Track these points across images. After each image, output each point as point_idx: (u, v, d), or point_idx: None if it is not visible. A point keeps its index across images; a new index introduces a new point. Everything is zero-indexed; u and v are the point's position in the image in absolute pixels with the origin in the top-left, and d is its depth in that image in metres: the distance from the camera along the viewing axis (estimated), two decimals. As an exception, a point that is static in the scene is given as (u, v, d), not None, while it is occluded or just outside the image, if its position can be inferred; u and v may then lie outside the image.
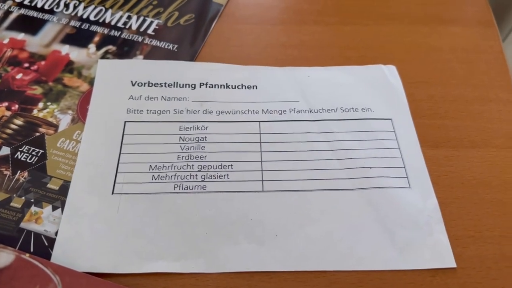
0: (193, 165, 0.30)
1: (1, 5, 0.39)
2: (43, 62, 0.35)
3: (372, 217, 0.28)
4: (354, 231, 0.28)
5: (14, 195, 0.29)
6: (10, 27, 0.38)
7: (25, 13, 0.39)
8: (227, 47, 0.38)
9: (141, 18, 0.39)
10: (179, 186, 0.29)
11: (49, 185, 0.29)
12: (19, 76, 0.35)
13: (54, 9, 0.39)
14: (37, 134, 0.31)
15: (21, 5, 0.39)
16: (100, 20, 0.38)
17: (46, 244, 0.27)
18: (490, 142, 0.33)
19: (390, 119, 0.33)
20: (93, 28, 0.38)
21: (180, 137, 0.31)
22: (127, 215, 0.28)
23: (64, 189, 0.29)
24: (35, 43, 0.37)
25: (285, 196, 0.29)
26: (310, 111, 0.33)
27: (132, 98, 0.33)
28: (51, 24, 0.38)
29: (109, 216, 0.28)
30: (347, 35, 0.39)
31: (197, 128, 0.32)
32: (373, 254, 0.27)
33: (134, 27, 0.38)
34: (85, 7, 0.39)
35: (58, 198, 0.29)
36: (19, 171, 0.30)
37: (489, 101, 0.35)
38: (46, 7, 0.39)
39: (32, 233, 0.27)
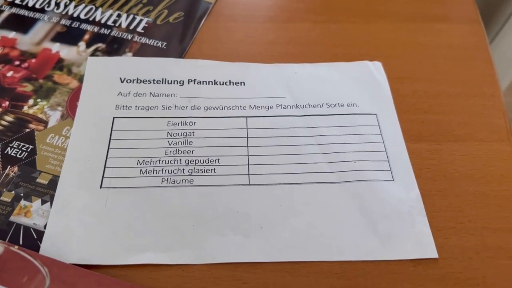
0: (180, 159, 0.31)
1: (-7, 4, 0.40)
2: (33, 60, 0.36)
3: (355, 209, 0.29)
4: (338, 222, 0.28)
5: (4, 190, 0.29)
6: (1, 26, 0.38)
7: (16, 12, 0.39)
8: (215, 45, 0.38)
9: (131, 16, 0.39)
10: (167, 180, 0.30)
11: (38, 180, 0.30)
12: (10, 73, 0.35)
13: (45, 8, 0.40)
14: (27, 130, 0.32)
15: (12, 4, 0.40)
16: (90, 19, 0.39)
17: (35, 237, 0.27)
18: (473, 136, 0.33)
19: (375, 114, 0.34)
20: (83, 26, 0.38)
21: (168, 132, 0.32)
22: (115, 208, 0.28)
23: (53, 183, 0.29)
24: (26, 41, 0.37)
25: (270, 190, 0.30)
26: (297, 107, 0.34)
27: (121, 95, 0.34)
28: (42, 23, 0.39)
29: (97, 209, 0.28)
30: (334, 33, 0.39)
31: (185, 123, 0.32)
32: (356, 244, 0.28)
33: (123, 25, 0.39)
34: (75, 6, 0.40)
35: (47, 193, 0.29)
36: (9, 166, 0.30)
37: (473, 96, 0.36)
38: (37, 6, 0.40)
39: (22, 226, 0.28)
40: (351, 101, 0.34)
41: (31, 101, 0.33)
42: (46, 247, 0.27)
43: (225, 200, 0.29)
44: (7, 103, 0.33)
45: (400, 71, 0.37)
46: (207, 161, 0.31)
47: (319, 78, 0.36)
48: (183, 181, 0.30)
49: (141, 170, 0.30)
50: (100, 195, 0.29)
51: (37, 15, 0.39)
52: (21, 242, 0.27)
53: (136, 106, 0.33)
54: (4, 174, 0.30)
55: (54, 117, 0.33)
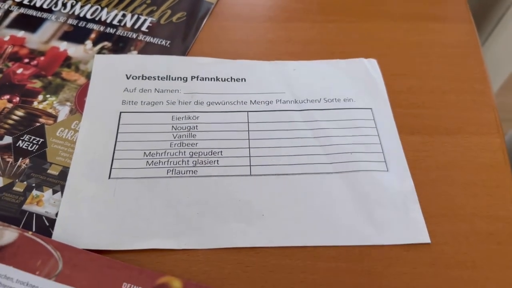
0: (185, 151, 0.32)
1: (2, 4, 0.41)
2: (42, 58, 0.37)
3: (352, 198, 0.30)
4: (335, 210, 0.30)
5: (17, 180, 0.30)
6: (11, 25, 0.40)
7: (24, 12, 0.41)
8: (217, 43, 0.40)
9: (135, 16, 0.41)
10: (172, 171, 0.31)
11: (49, 171, 0.31)
12: (19, 71, 0.37)
13: (52, 8, 0.41)
14: (37, 124, 0.33)
15: (20, 4, 0.41)
16: (96, 18, 0.40)
17: (47, 224, 0.29)
18: (464, 129, 0.35)
19: (370, 108, 0.35)
20: (90, 25, 0.40)
21: (172, 126, 0.33)
22: (123, 197, 0.30)
23: (64, 174, 0.31)
24: (34, 40, 0.39)
25: (271, 180, 0.31)
26: (295, 102, 0.35)
27: (127, 91, 0.35)
28: (49, 22, 0.40)
29: (106, 198, 0.29)
30: (331, 32, 0.41)
31: (189, 118, 0.34)
32: (352, 230, 0.29)
33: (128, 24, 0.40)
34: (81, 6, 0.41)
35: (58, 183, 0.30)
36: (20, 158, 0.31)
37: (464, 92, 0.37)
38: (44, 6, 0.41)
39: (34, 214, 0.29)
40: (347, 96, 0.36)
41: (40, 97, 0.35)
42: (58, 234, 0.28)
43: (228, 190, 0.30)
44: (17, 98, 0.35)
45: (395, 68, 0.38)
46: (210, 153, 0.32)
47: (316, 74, 0.37)
48: (188, 172, 0.31)
49: (147, 161, 0.31)
50: (108, 185, 0.30)
51: (45, 15, 0.41)
52: (34, 229, 0.28)
53: (141, 101, 0.34)
54: (16, 166, 0.31)
55: (63, 112, 0.34)
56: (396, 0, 0.44)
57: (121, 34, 0.39)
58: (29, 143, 0.32)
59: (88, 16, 0.41)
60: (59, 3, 0.42)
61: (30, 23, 0.40)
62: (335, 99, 0.36)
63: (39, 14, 0.41)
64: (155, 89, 0.35)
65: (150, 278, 0.26)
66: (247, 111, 0.35)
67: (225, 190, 0.30)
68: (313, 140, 0.33)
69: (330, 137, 0.33)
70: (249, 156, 0.32)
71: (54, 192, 0.30)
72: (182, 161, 0.32)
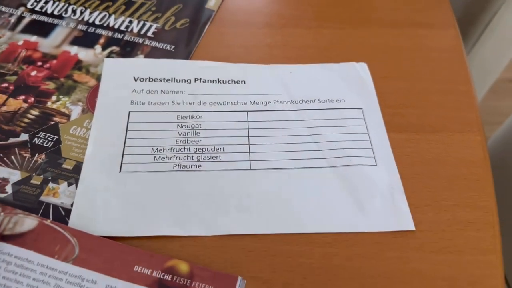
0: (189, 148, 0.35)
1: (15, 11, 0.44)
2: (54, 61, 0.40)
3: (344, 189, 0.33)
4: (329, 201, 0.32)
5: (34, 174, 0.33)
6: (24, 31, 0.42)
7: (36, 18, 0.43)
8: (218, 48, 0.42)
9: (141, 23, 0.43)
10: (178, 165, 0.34)
11: (64, 165, 0.33)
12: (33, 73, 0.39)
13: (63, 15, 0.44)
14: (52, 122, 0.36)
15: (32, 11, 0.44)
16: (105, 24, 0.43)
17: (63, 214, 0.31)
18: (447, 127, 0.38)
19: (361, 108, 0.38)
20: (99, 31, 0.42)
21: (177, 124, 0.36)
22: (133, 189, 0.32)
23: (77, 168, 0.33)
24: (46, 44, 0.41)
25: (269, 173, 0.34)
26: (292, 102, 0.38)
27: (135, 92, 0.38)
28: (60, 28, 0.43)
29: (117, 190, 0.32)
30: (324, 37, 0.44)
31: (193, 117, 0.36)
32: (345, 219, 0.32)
33: (135, 30, 0.43)
34: (90, 13, 0.44)
35: (72, 176, 0.33)
36: (37, 154, 0.34)
37: (449, 93, 0.40)
38: (55, 12, 0.44)
39: (51, 205, 0.31)
40: (339, 97, 0.39)
41: (54, 97, 0.37)
42: (74, 222, 0.30)
43: (230, 183, 0.33)
44: (32, 99, 0.37)
45: (384, 71, 0.41)
46: (213, 149, 0.35)
47: (311, 77, 0.40)
48: (192, 166, 0.34)
49: (155, 157, 0.34)
50: (119, 178, 0.33)
51: (56, 21, 0.43)
52: (51, 218, 0.31)
53: (148, 102, 0.37)
54: (33, 161, 0.34)
55: (75, 111, 0.37)
56: (385, 8, 0.47)
57: (128, 39, 0.42)
58: (44, 140, 0.35)
59: (97, 22, 0.43)
60: (69, 10, 0.44)
61: (42, 29, 0.42)
62: (329, 99, 0.38)
63: (50, 20, 0.43)
64: (161, 90, 0.38)
65: (159, 261, 0.29)
66: (247, 111, 0.37)
67: (227, 183, 0.33)
68: (308, 137, 0.36)
69: (324, 134, 0.36)
70: (249, 152, 0.35)
71: (69, 184, 0.32)
72: (187, 157, 0.34)
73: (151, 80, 0.39)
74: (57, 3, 0.45)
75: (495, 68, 0.82)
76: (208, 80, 0.39)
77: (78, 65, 0.40)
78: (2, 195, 0.32)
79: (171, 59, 0.40)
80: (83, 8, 0.44)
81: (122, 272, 0.28)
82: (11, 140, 0.35)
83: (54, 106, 0.37)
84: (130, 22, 0.43)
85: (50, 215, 0.31)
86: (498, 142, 0.61)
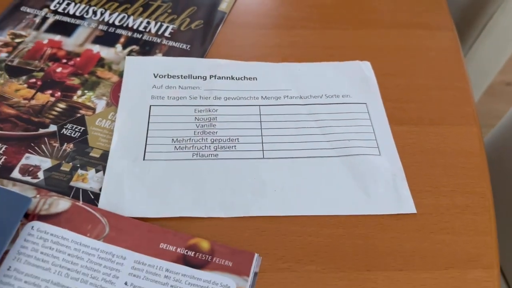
0: (207, 138, 0.37)
1: (39, 12, 0.46)
2: (78, 59, 0.43)
3: (350, 177, 0.36)
4: (336, 187, 0.35)
5: (63, 162, 0.35)
6: (48, 30, 0.45)
7: (60, 19, 0.46)
8: (231, 47, 0.45)
9: (159, 24, 0.46)
10: (197, 154, 0.36)
11: (91, 154, 0.36)
12: (59, 69, 0.42)
13: (84, 16, 0.47)
14: (78, 115, 0.38)
15: (56, 12, 0.47)
16: (124, 25, 0.46)
17: (92, 197, 0.34)
18: (445, 120, 0.40)
19: (365, 103, 0.41)
20: (119, 31, 0.45)
21: (195, 117, 0.39)
22: (157, 175, 0.35)
23: (104, 156, 0.36)
24: (70, 43, 0.44)
25: (281, 162, 0.36)
26: (300, 97, 0.41)
27: (155, 87, 0.40)
28: (82, 28, 0.45)
29: (142, 176, 0.35)
30: (329, 37, 0.47)
31: (209, 110, 0.39)
32: (351, 203, 0.34)
33: (153, 30, 0.46)
34: (110, 14, 0.47)
35: (100, 163, 0.35)
36: (65, 143, 0.37)
37: (446, 89, 0.43)
38: (77, 13, 0.47)
39: (80, 189, 0.34)
40: (345, 93, 0.41)
41: (79, 92, 0.40)
42: (103, 204, 0.33)
43: (244, 170, 0.36)
44: (59, 93, 0.40)
45: (386, 69, 0.44)
46: (228, 140, 0.37)
47: (319, 74, 0.43)
48: (210, 155, 0.36)
49: (175, 146, 0.37)
50: (143, 165, 0.35)
51: (78, 21, 0.46)
52: (81, 201, 0.33)
53: (168, 97, 0.40)
54: (62, 149, 0.36)
55: (100, 105, 0.39)
56: (387, 10, 0.50)
57: (147, 39, 0.45)
58: (72, 130, 0.37)
59: (117, 22, 0.46)
60: (90, 11, 0.47)
61: (65, 28, 0.45)
62: (335, 95, 0.41)
63: (72, 20, 0.46)
64: (179, 86, 0.41)
65: (182, 239, 0.31)
66: (259, 105, 0.40)
67: (242, 171, 0.36)
68: (316, 130, 0.39)
69: (331, 127, 0.39)
70: (262, 143, 0.37)
71: (97, 171, 0.35)
72: (205, 146, 0.37)
73: (169, 76, 0.41)
74: (78, 4, 0.47)
75: (491, 70, 0.85)
76: (222, 77, 0.42)
77: (101, 62, 0.42)
78: (35, 181, 0.34)
79: (187, 58, 0.43)
80: (103, 10, 0.47)
81: (149, 249, 0.31)
82: (41, 130, 0.37)
83: (80, 100, 0.39)
84: (148, 23, 0.46)
85: (80, 198, 0.33)
86: (492, 143, 0.64)
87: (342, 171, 0.36)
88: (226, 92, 0.41)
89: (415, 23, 0.49)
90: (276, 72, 0.43)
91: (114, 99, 0.40)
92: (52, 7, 0.47)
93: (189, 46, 0.45)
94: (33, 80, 0.41)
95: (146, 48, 0.44)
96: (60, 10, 0.47)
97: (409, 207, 0.35)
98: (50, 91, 0.40)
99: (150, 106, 0.39)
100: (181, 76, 0.42)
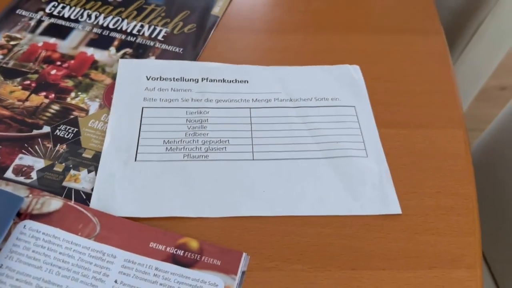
0: (198, 140, 0.38)
1: (34, 15, 0.47)
2: (72, 61, 0.43)
3: (338, 178, 0.37)
4: (324, 187, 0.36)
5: (56, 162, 0.36)
6: (43, 33, 0.46)
7: (54, 22, 0.47)
8: (223, 50, 0.46)
9: (152, 27, 0.47)
10: (187, 155, 0.37)
11: (84, 155, 0.37)
12: (53, 72, 0.42)
13: (79, 19, 0.47)
14: (72, 116, 0.39)
15: (51, 15, 0.47)
16: (118, 28, 0.47)
17: (84, 197, 0.34)
18: (432, 124, 0.41)
19: (354, 106, 0.42)
20: (113, 34, 0.46)
21: (187, 119, 0.39)
22: (148, 176, 0.35)
23: (96, 157, 0.36)
24: (64, 46, 0.45)
25: (270, 163, 0.37)
26: (290, 100, 0.42)
27: (148, 89, 0.41)
28: (77, 31, 0.46)
29: (133, 176, 0.35)
30: (320, 42, 0.48)
31: (200, 112, 0.40)
32: (338, 203, 0.35)
33: (146, 34, 0.46)
34: (104, 17, 0.48)
35: (92, 164, 0.36)
36: (58, 144, 0.37)
37: (434, 93, 0.44)
38: (72, 17, 0.47)
39: (73, 189, 0.35)
40: (334, 96, 0.42)
41: (73, 94, 0.41)
42: (94, 204, 0.34)
43: (234, 171, 0.36)
44: (53, 95, 0.41)
45: (375, 73, 0.45)
46: (219, 141, 0.38)
47: (309, 77, 0.44)
48: (201, 156, 0.37)
49: (166, 147, 0.37)
50: (135, 166, 0.36)
51: (73, 24, 0.47)
52: (73, 201, 0.34)
53: (160, 99, 0.40)
54: (55, 150, 0.37)
55: (93, 106, 0.40)
56: (376, 16, 0.51)
57: (140, 42, 0.45)
58: (65, 132, 0.38)
59: (111, 26, 0.47)
60: (85, 14, 0.48)
61: (60, 31, 0.46)
62: (324, 98, 0.42)
63: (67, 23, 0.47)
64: (171, 88, 0.41)
65: (172, 239, 0.32)
66: (250, 108, 0.41)
67: (232, 172, 0.36)
68: (305, 132, 0.39)
69: (320, 129, 0.40)
70: (252, 144, 0.38)
71: (89, 171, 0.36)
72: (196, 148, 0.37)
73: (162, 79, 0.42)
74: (73, 8, 0.48)
75: (483, 74, 0.86)
76: (214, 80, 0.43)
77: (95, 65, 0.43)
78: (28, 181, 0.35)
79: (180, 61, 0.44)
80: (98, 13, 0.48)
81: (139, 248, 0.31)
82: (35, 131, 0.38)
83: (73, 102, 0.40)
84: (142, 26, 0.47)
85: (72, 198, 0.34)
86: (483, 147, 0.65)
87: (330, 173, 0.37)
88: (217, 95, 0.41)
89: (404, 28, 0.50)
90: (267, 75, 0.44)
91: (107, 101, 0.40)
92: (47, 10, 0.48)
93: (181, 49, 0.45)
94: (28, 82, 0.41)
95: (140, 51, 0.45)
96: (55, 13, 0.48)
97: (395, 208, 0.35)
98: (44, 93, 0.41)
99: (143, 108, 0.40)
100: (174, 78, 0.42)
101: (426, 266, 0.33)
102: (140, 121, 0.39)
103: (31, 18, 0.47)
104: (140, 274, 0.30)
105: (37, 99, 0.40)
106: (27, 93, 0.41)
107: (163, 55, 0.45)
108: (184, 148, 0.37)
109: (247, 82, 0.43)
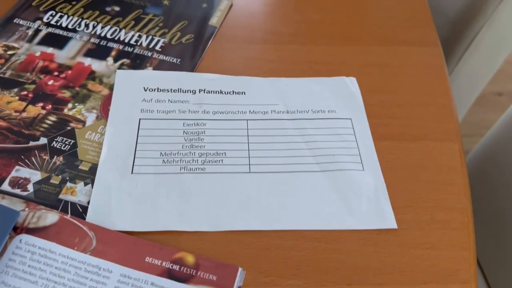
0: (194, 152, 0.38)
1: (32, 24, 0.47)
2: (69, 71, 0.43)
3: (333, 191, 0.37)
4: (320, 201, 0.36)
5: (53, 174, 0.36)
6: (40, 43, 0.46)
7: (52, 31, 0.47)
8: (220, 61, 0.46)
9: (150, 37, 0.47)
10: (184, 168, 0.37)
11: (80, 167, 0.37)
12: (50, 82, 0.42)
13: (77, 28, 0.47)
14: (68, 128, 0.39)
15: (48, 24, 0.47)
16: (116, 38, 0.47)
17: (81, 210, 0.34)
18: (428, 136, 0.41)
19: (350, 118, 0.42)
20: (110, 44, 0.46)
21: (183, 131, 0.39)
22: (144, 189, 0.35)
23: (93, 170, 0.37)
24: (62, 56, 0.45)
25: (267, 176, 0.37)
26: (287, 112, 0.42)
27: (145, 101, 0.41)
28: (74, 41, 0.46)
29: (130, 189, 0.35)
30: (317, 53, 0.48)
31: (197, 124, 0.40)
32: (333, 217, 0.35)
33: (144, 44, 0.46)
34: (102, 27, 0.48)
35: (89, 177, 0.36)
36: (55, 156, 0.37)
37: (430, 106, 0.44)
38: (69, 26, 0.47)
39: (69, 202, 0.35)
40: (331, 108, 0.42)
41: (70, 105, 0.41)
42: (91, 217, 0.34)
43: (231, 184, 0.36)
44: (50, 106, 0.41)
45: (371, 85, 0.45)
46: (216, 154, 0.38)
47: (305, 89, 0.44)
48: (197, 169, 0.37)
49: (163, 160, 0.37)
50: (131, 178, 0.36)
51: (70, 34, 0.47)
52: (69, 214, 0.34)
53: (157, 110, 0.41)
54: (52, 162, 0.37)
55: (90, 118, 0.40)
56: (373, 27, 0.51)
57: (138, 52, 0.46)
58: (62, 143, 0.38)
59: (108, 36, 0.47)
60: (82, 24, 0.48)
61: (57, 41, 0.46)
62: (321, 110, 0.42)
63: (65, 33, 0.47)
64: (169, 99, 0.41)
65: (168, 253, 0.32)
66: (247, 120, 0.41)
67: (228, 184, 0.36)
68: (302, 144, 0.40)
69: (316, 142, 0.40)
70: (248, 157, 0.38)
71: (86, 184, 0.36)
72: (193, 160, 0.38)
73: (159, 90, 0.42)
74: (71, 17, 0.48)
75: (480, 82, 0.86)
76: (211, 91, 0.43)
77: (92, 75, 0.43)
78: (25, 193, 0.35)
79: (177, 71, 0.44)
80: (95, 23, 0.48)
81: (135, 263, 0.31)
82: (31, 143, 0.38)
83: (70, 113, 0.40)
84: (139, 36, 0.47)
85: (68, 211, 0.34)
86: (483, 150, 0.65)
87: (325, 186, 0.37)
88: (214, 106, 0.42)
89: (401, 39, 0.50)
90: (264, 87, 0.44)
91: (104, 112, 0.40)
92: (45, 20, 0.48)
93: (179, 60, 0.45)
94: (25, 92, 0.41)
95: (137, 62, 0.45)
96: (52, 22, 0.48)
97: (391, 222, 0.35)
98: (41, 104, 0.41)
99: (140, 119, 0.40)
100: (171, 90, 0.42)
101: (421, 281, 0.33)
102: (137, 133, 0.39)
103: (28, 27, 0.47)
104: (136, 289, 0.30)
105: (34, 110, 0.40)
106: (24, 103, 0.41)
107: (160, 65, 0.45)
108: (180, 160, 0.37)
109: (244, 93, 0.43)
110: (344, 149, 0.39)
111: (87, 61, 0.44)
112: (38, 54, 0.45)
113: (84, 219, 0.34)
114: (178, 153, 0.38)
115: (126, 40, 0.47)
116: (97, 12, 0.49)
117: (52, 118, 0.40)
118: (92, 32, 0.47)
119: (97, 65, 0.44)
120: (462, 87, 0.83)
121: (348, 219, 0.35)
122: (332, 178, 0.37)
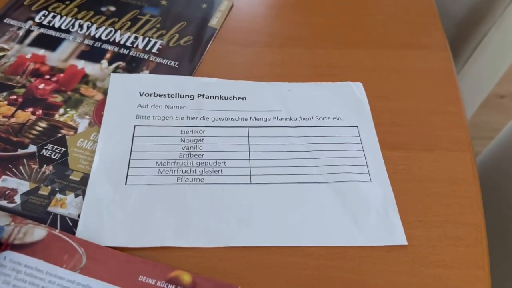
0: (192, 161, 0.36)
1: (23, 24, 0.45)
2: (62, 75, 0.41)
3: (339, 204, 0.35)
4: (325, 215, 0.34)
5: (42, 185, 0.34)
6: (32, 44, 0.43)
7: (44, 32, 0.45)
8: (220, 65, 0.44)
9: (147, 39, 0.45)
10: (181, 178, 0.35)
11: (71, 177, 0.35)
12: (41, 86, 0.40)
13: (70, 29, 0.45)
14: (59, 135, 0.37)
15: (40, 25, 0.45)
16: (111, 40, 0.45)
17: (70, 224, 0.32)
18: (438, 146, 0.39)
19: (356, 126, 0.40)
20: (105, 46, 0.44)
21: (181, 138, 0.37)
22: (138, 201, 0.33)
23: (84, 180, 0.34)
24: (54, 58, 0.43)
25: (269, 188, 0.35)
26: (290, 119, 0.40)
27: (141, 106, 0.39)
28: (67, 42, 0.44)
29: (123, 202, 0.33)
30: (321, 57, 0.46)
31: (196, 131, 0.38)
32: (339, 233, 0.33)
33: (140, 46, 0.44)
34: (97, 28, 0.45)
35: (79, 187, 0.34)
36: (45, 165, 0.35)
37: (438, 113, 0.42)
38: (62, 27, 0.45)
39: (58, 215, 0.33)
40: (336, 115, 0.40)
41: (61, 110, 0.39)
42: (81, 232, 0.31)
43: (231, 196, 0.34)
44: (40, 111, 0.39)
45: (378, 91, 0.43)
46: (215, 163, 0.36)
47: (309, 95, 0.42)
48: (195, 179, 0.35)
49: (159, 170, 0.35)
50: (125, 190, 0.34)
51: (63, 35, 0.45)
52: (58, 228, 0.32)
53: (153, 116, 0.38)
54: (41, 172, 0.35)
55: (82, 124, 0.38)
56: (379, 30, 0.49)
57: (134, 55, 0.43)
58: (52, 151, 0.36)
59: (103, 37, 0.45)
60: (76, 25, 0.46)
61: (50, 42, 0.44)
62: (326, 117, 0.40)
63: (58, 34, 0.45)
64: (166, 105, 0.39)
65: (163, 272, 0.30)
66: (248, 127, 0.39)
67: (228, 197, 0.34)
68: (306, 153, 0.37)
69: (321, 151, 0.38)
70: (249, 167, 0.36)
71: (76, 195, 0.34)
72: (190, 170, 0.35)
73: (156, 95, 0.40)
74: (64, 17, 0.46)
75: (487, 84, 0.85)
76: (210, 96, 0.41)
77: (85, 79, 0.41)
78: (11, 205, 0.33)
79: (175, 75, 0.42)
80: (90, 23, 0.46)
81: (127, 282, 0.29)
82: (20, 151, 0.36)
83: (62, 119, 0.38)
84: (136, 38, 0.45)
85: (57, 225, 0.32)
86: (490, 157, 0.63)
87: (331, 199, 0.35)
88: (214, 112, 0.39)
89: (408, 43, 0.48)
90: (266, 92, 0.42)
91: (97, 119, 0.38)
92: (37, 20, 0.46)
93: (177, 63, 0.43)
94: (14, 96, 0.39)
95: (133, 65, 0.43)
96: (45, 23, 0.45)
97: (401, 238, 0.33)
98: (31, 109, 0.39)
99: (135, 126, 0.38)
100: (168, 94, 0.40)
101: (433, 302, 0.31)
102: (132, 141, 0.37)
103: (19, 28, 0.45)
104: (128, 310, 0.28)
105: (24, 116, 0.38)
106: (13, 108, 0.38)
107: (157, 69, 0.43)
108: (178, 170, 0.35)
109: (245, 99, 0.41)
110: (351, 158, 0.37)
111: (80, 64, 0.42)
112: (29, 56, 0.42)
113: (74, 233, 0.32)
114: (175, 162, 0.36)
115: (122, 42, 0.44)
116: (91, 12, 0.47)
117: (42, 124, 0.38)
118: (86, 33, 0.45)
119: (90, 68, 0.42)
120: (467, 91, 0.81)
121: (355, 234, 0.33)
122: (338, 190, 0.35)
